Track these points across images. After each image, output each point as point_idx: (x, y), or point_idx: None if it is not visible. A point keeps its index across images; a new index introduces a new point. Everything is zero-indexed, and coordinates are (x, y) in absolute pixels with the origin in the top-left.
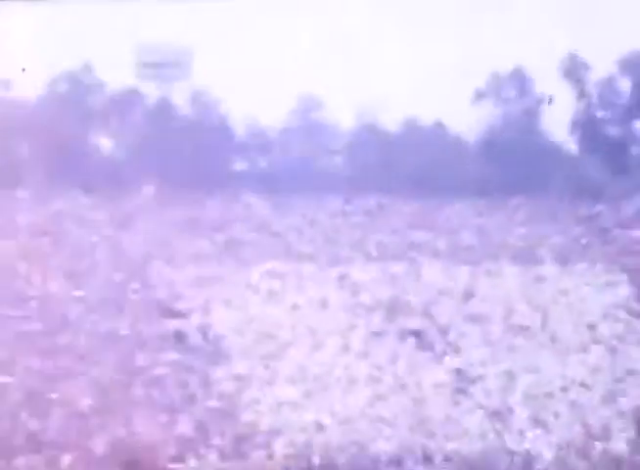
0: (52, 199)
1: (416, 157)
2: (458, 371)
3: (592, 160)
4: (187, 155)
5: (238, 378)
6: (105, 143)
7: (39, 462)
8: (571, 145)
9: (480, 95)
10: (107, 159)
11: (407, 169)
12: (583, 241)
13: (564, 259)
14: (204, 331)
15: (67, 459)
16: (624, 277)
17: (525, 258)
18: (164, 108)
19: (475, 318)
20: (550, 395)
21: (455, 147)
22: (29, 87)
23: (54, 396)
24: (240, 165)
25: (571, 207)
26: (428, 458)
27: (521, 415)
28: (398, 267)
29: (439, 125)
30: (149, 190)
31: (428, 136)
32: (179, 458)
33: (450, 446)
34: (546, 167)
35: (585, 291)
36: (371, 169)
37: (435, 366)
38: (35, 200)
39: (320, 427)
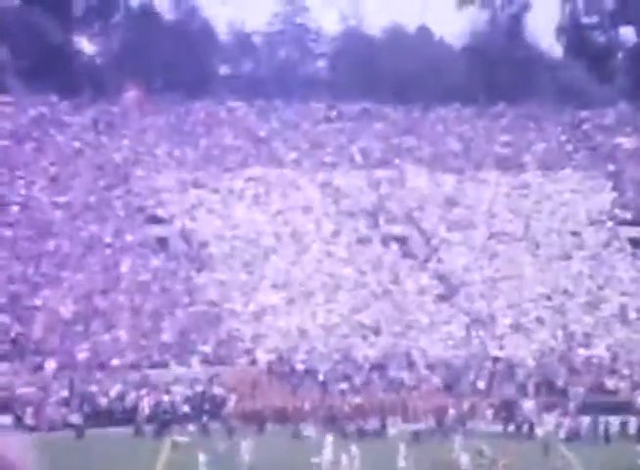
0: (33, 104)
1: (401, 62)
2: (441, 278)
3: (577, 66)
4: (170, 59)
5: (221, 284)
6: (87, 47)
7: (23, 368)
8: (556, 51)
9: (465, 0)
10: (89, 63)
11: (392, 75)
12: (567, 148)
13: (548, 166)
14: (187, 237)
15: (51, 365)
16: (608, 184)
17: (509, 164)
18: (147, 11)
19: (458, 225)
20: (533, 301)
21: (440, 53)
22: None
23: (37, 302)
24: (224, 70)
25: (556, 113)
26: (411, 364)
27: (503, 322)
28: (382, 174)
29: (424, 30)
30: (131, 95)
31: (412, 42)
32: (162, 364)
33: (433, 353)
34: (531, 74)
35: (569, 197)
36: (355, 75)
37: (419, 273)
38: (16, 105)
39: (303, 333)
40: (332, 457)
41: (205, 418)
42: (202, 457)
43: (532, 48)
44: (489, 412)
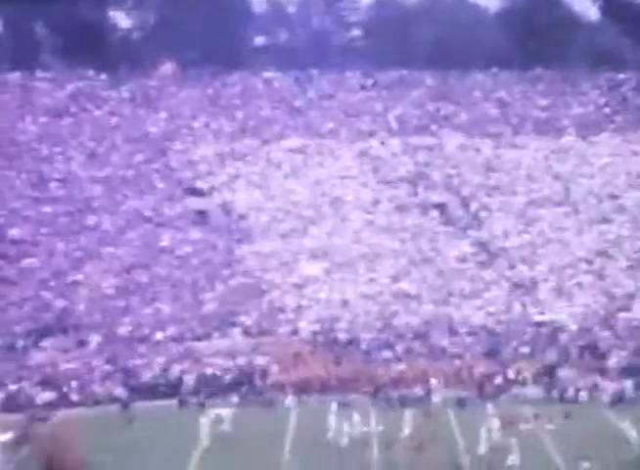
0: (70, 79)
1: (436, 28)
2: (481, 244)
3: (614, 28)
4: (205, 32)
5: (261, 255)
6: (122, 21)
7: (67, 343)
8: (592, 13)
9: None
10: (125, 37)
11: (427, 42)
12: (606, 111)
13: (586, 130)
14: (226, 209)
15: (94, 339)
16: None
17: (547, 129)
18: None
19: (497, 191)
20: (573, 265)
21: (475, 17)
22: None
23: (79, 277)
24: (259, 41)
25: (593, 76)
26: (453, 331)
27: (545, 287)
28: (420, 141)
29: None
30: (167, 68)
31: (447, 7)
32: (205, 336)
33: (475, 319)
34: (568, 37)
35: (608, 161)
36: (391, 43)
37: (459, 240)
38: (54, 81)
39: (345, 303)
40: (376, 427)
41: (247, 389)
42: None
43: (569, 10)
44: (533, 377)
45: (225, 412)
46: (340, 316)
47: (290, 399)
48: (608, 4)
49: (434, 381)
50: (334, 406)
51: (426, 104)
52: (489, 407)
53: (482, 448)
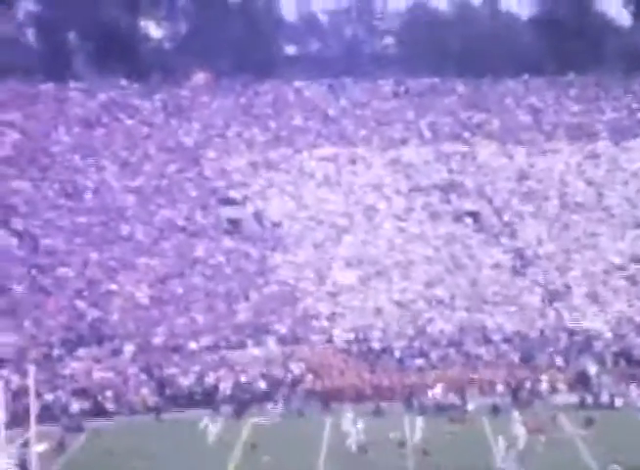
0: (103, 89)
1: (467, 36)
2: (515, 251)
3: None
4: (237, 41)
5: (295, 264)
6: (154, 31)
7: (101, 353)
8: (624, 18)
9: None
10: (156, 47)
11: (459, 49)
12: (638, 115)
13: (619, 135)
14: (259, 218)
15: (129, 349)
16: None
17: (580, 134)
18: None
19: (531, 197)
20: (607, 271)
21: (507, 24)
22: None
23: (113, 287)
24: (291, 50)
25: (626, 81)
26: (487, 339)
27: (579, 293)
28: (452, 148)
29: (491, 2)
30: (199, 78)
31: (479, 14)
32: (239, 345)
33: (509, 326)
34: (600, 42)
35: None
36: (422, 50)
37: (492, 247)
38: (86, 91)
39: (379, 311)
40: (414, 434)
41: (282, 398)
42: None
43: (600, 15)
44: (567, 385)
45: (260, 421)
46: (373, 324)
47: (324, 408)
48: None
49: (467, 388)
50: (367, 414)
51: (458, 111)
52: (523, 414)
53: (513, 454)
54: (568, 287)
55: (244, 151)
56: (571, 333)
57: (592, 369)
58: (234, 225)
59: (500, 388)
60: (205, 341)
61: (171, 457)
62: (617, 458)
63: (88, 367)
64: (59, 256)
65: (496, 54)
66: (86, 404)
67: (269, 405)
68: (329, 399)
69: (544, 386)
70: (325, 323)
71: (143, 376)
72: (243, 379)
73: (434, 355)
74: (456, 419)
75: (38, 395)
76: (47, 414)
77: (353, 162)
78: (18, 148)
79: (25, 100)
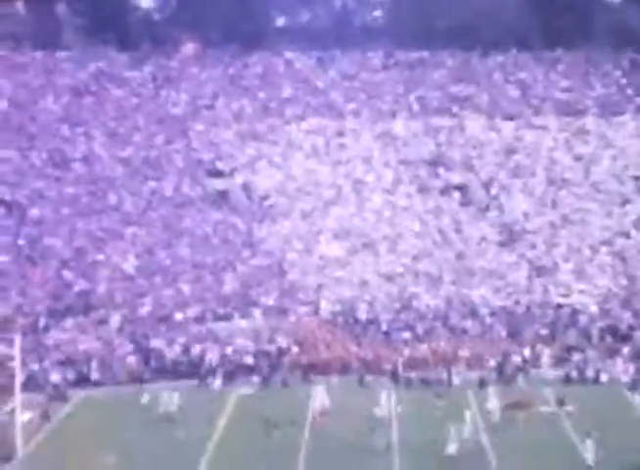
0: (92, 59)
1: (457, 9)
2: (502, 225)
3: (637, 8)
4: (227, 12)
5: (282, 236)
6: (144, 1)
7: (88, 323)
8: None
9: None
10: (146, 17)
11: (448, 23)
12: (628, 92)
13: (607, 111)
14: (247, 190)
15: (115, 319)
16: None
17: (569, 110)
18: None
19: (518, 172)
20: (594, 247)
21: None
22: None
23: (100, 257)
24: (280, 22)
25: (615, 57)
26: (474, 313)
27: (565, 268)
28: (441, 122)
29: None
30: (188, 48)
31: None
32: (226, 317)
33: (496, 301)
34: (589, 17)
35: (629, 142)
36: (412, 23)
37: (480, 221)
38: (75, 60)
39: (365, 283)
40: (396, 409)
41: (268, 369)
42: (263, 409)
43: None
44: (552, 359)
45: (245, 392)
46: (360, 297)
47: (310, 379)
48: None
49: (454, 362)
50: (354, 386)
51: (447, 85)
52: (507, 388)
53: (498, 428)
54: (554, 262)
55: (232, 122)
56: (558, 307)
57: (578, 344)
58: (222, 196)
59: (487, 362)
60: (192, 312)
61: (158, 429)
62: (590, 433)
63: (74, 337)
64: (46, 225)
65: (485, 28)
66: (71, 374)
67: (254, 377)
68: (314, 370)
69: (530, 360)
70: (312, 295)
71: (129, 346)
72: (229, 351)
73: (420, 329)
74: (441, 394)
75: (24, 364)
76: (32, 383)
77: (342, 134)
78: (5, 116)
79: (14, 68)
